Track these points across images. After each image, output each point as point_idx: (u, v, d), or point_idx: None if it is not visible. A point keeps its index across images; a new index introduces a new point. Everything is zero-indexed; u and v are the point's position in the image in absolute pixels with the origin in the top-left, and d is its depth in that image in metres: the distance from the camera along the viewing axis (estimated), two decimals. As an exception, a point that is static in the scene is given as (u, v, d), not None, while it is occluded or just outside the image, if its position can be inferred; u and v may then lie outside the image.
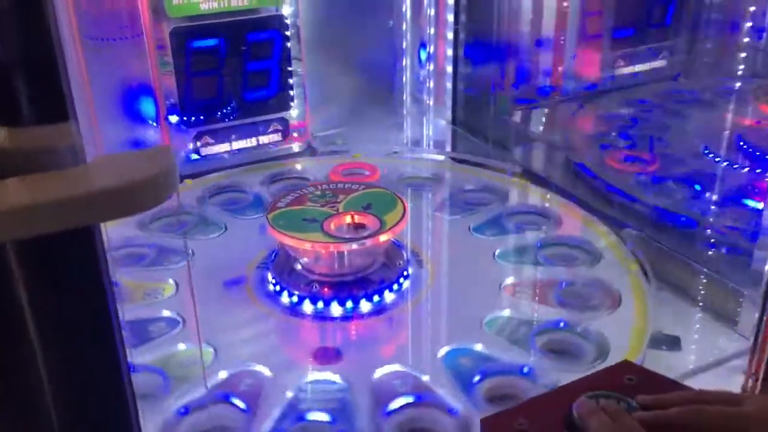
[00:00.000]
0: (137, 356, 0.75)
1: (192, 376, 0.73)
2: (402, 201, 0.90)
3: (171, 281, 0.90)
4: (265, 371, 0.75)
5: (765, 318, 0.72)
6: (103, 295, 0.40)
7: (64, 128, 0.38)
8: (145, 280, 0.90)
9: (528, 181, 1.15)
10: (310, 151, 1.26)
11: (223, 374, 0.74)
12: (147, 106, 1.17)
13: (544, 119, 1.40)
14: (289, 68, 1.21)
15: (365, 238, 0.84)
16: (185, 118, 1.17)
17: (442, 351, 0.77)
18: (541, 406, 0.53)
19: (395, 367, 0.75)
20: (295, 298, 0.85)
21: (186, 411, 0.70)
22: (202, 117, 1.17)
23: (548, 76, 1.40)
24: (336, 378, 0.74)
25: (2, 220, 0.35)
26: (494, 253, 0.94)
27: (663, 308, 0.84)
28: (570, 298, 0.85)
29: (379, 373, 0.74)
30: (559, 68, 1.42)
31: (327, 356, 0.78)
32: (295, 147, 1.25)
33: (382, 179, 1.12)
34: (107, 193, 0.37)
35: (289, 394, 0.72)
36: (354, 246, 0.84)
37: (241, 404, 0.71)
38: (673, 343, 0.80)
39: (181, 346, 0.79)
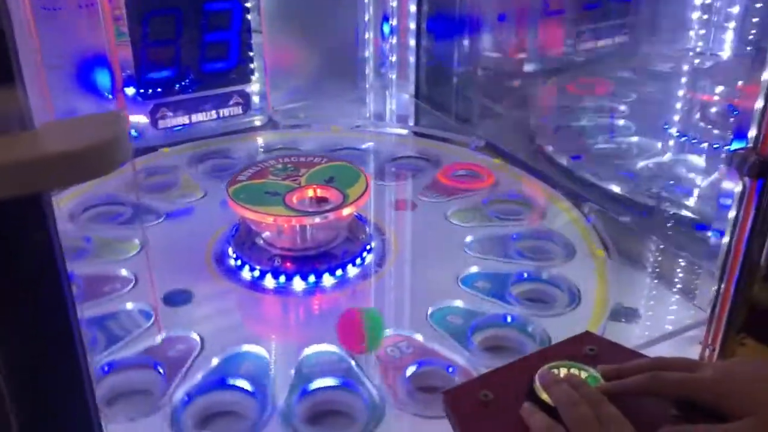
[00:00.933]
0: (86, 310, 0.75)
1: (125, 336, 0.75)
2: (365, 174, 0.89)
3: (136, 242, 0.90)
4: (196, 338, 0.75)
5: (722, 290, 0.74)
6: (54, 265, 0.39)
7: (9, 92, 0.37)
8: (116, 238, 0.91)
9: (491, 155, 1.15)
10: (271, 124, 1.24)
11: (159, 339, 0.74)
12: (102, 78, 1.13)
13: (507, 94, 1.40)
14: (250, 40, 1.19)
15: (328, 211, 0.83)
16: (142, 90, 1.14)
17: (430, 310, 0.77)
18: (503, 378, 0.54)
19: (327, 348, 0.74)
20: (256, 273, 0.84)
21: (110, 369, 0.70)
22: (159, 89, 1.15)
23: (511, 50, 1.40)
24: (262, 352, 0.73)
25: None
26: (446, 214, 0.97)
27: (623, 281, 0.85)
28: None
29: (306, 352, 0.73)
30: (523, 42, 1.42)
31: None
32: (257, 120, 1.23)
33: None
34: (55, 159, 0.35)
35: (215, 361, 0.72)
36: (317, 219, 0.83)
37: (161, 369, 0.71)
38: (632, 315, 0.81)
39: (129, 305, 0.79)
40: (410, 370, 0.71)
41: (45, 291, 0.39)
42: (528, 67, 1.42)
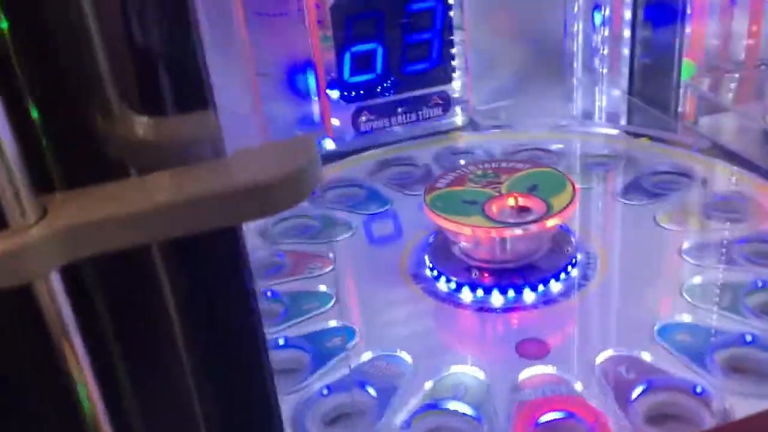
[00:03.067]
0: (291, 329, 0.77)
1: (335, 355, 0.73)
2: (572, 182, 0.82)
3: (331, 256, 0.89)
4: (406, 358, 0.72)
5: None
6: (248, 298, 0.38)
7: (205, 117, 0.36)
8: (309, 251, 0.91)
9: (718, 157, 1.02)
10: (472, 126, 1.20)
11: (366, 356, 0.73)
12: (308, 81, 1.16)
13: (736, 87, 1.24)
14: (451, 37, 1.15)
15: (530, 222, 0.77)
16: (345, 93, 1.15)
17: (602, 356, 0.69)
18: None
19: (545, 369, 0.69)
20: (453, 285, 0.81)
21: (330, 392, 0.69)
22: (361, 92, 1.15)
23: (743, 37, 1.24)
24: (478, 373, 0.69)
25: (151, 219, 0.33)
26: (681, 248, 0.83)
27: None
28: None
29: (525, 374, 0.68)
30: (757, 28, 1.25)
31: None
32: (457, 121, 1.20)
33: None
34: (249, 191, 0.33)
35: (428, 385, 0.68)
36: (517, 231, 0.77)
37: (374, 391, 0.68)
38: None
39: (332, 323, 0.78)
40: (642, 394, 0.64)
41: (239, 326, 0.38)
42: (764, 56, 1.25)
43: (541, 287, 0.79)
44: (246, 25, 1.09)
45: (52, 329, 0.32)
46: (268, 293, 0.83)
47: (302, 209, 1.00)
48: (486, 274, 0.81)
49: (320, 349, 0.74)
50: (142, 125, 0.35)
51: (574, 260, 0.82)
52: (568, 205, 0.79)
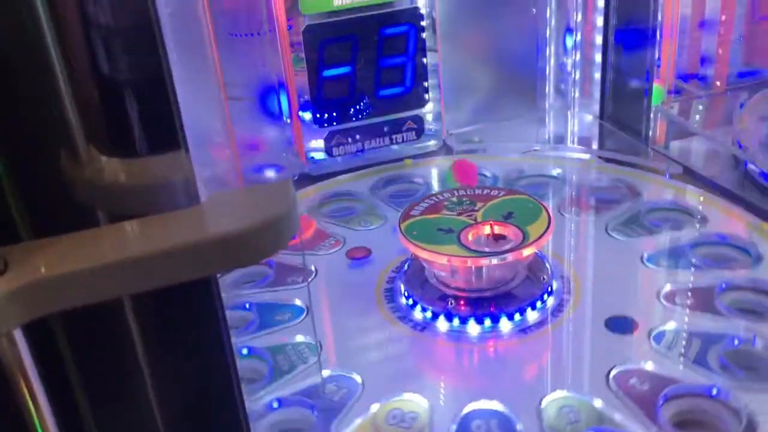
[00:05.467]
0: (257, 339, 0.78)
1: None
2: (546, 210, 0.82)
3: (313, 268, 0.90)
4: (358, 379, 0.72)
5: None
6: (223, 353, 0.36)
7: (177, 158, 0.34)
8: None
9: (689, 182, 1.03)
10: (445, 149, 1.19)
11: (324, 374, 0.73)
12: (280, 103, 1.15)
13: (707, 111, 1.26)
14: (424, 60, 1.15)
15: (505, 252, 0.77)
16: (318, 115, 1.14)
17: (549, 398, 0.68)
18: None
19: (491, 404, 0.68)
20: (428, 314, 0.80)
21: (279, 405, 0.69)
22: (334, 114, 1.14)
23: (713, 61, 1.26)
24: (422, 402, 0.68)
25: (123, 272, 0.32)
26: (660, 291, 0.81)
27: None
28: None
29: (469, 408, 0.68)
30: (725, 52, 1.27)
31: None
32: (430, 145, 1.19)
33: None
34: (224, 241, 0.32)
35: (375, 408, 0.67)
36: (494, 261, 0.77)
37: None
38: None
39: (299, 338, 0.78)
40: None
41: (214, 382, 0.36)
42: (732, 80, 1.27)
43: (514, 317, 0.78)
44: (217, 48, 1.08)
45: (13, 387, 0.31)
46: (246, 305, 0.83)
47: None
48: (461, 303, 0.80)
49: (281, 363, 0.74)
50: (111, 168, 0.34)
51: (545, 293, 0.81)
52: (543, 234, 0.78)
